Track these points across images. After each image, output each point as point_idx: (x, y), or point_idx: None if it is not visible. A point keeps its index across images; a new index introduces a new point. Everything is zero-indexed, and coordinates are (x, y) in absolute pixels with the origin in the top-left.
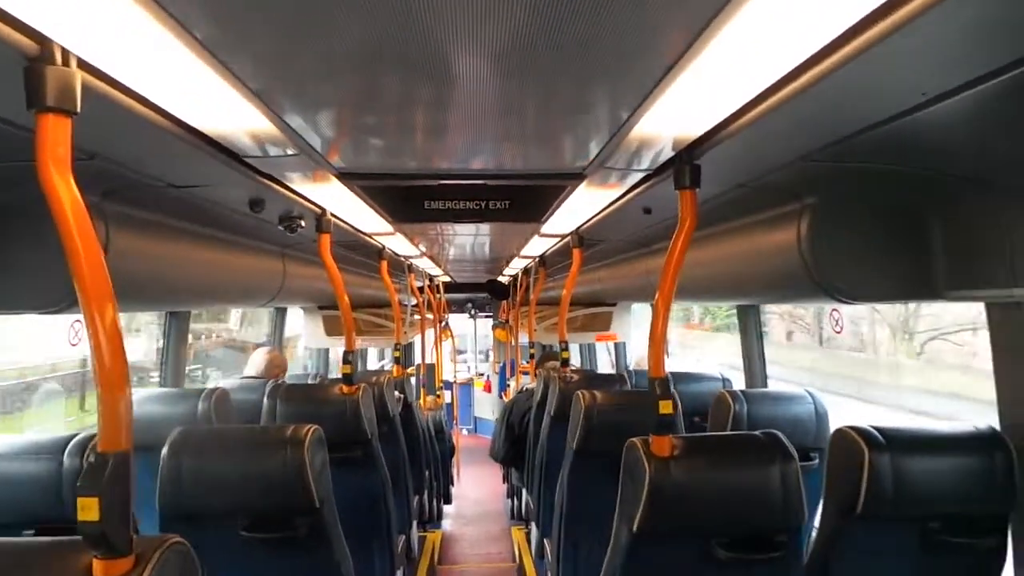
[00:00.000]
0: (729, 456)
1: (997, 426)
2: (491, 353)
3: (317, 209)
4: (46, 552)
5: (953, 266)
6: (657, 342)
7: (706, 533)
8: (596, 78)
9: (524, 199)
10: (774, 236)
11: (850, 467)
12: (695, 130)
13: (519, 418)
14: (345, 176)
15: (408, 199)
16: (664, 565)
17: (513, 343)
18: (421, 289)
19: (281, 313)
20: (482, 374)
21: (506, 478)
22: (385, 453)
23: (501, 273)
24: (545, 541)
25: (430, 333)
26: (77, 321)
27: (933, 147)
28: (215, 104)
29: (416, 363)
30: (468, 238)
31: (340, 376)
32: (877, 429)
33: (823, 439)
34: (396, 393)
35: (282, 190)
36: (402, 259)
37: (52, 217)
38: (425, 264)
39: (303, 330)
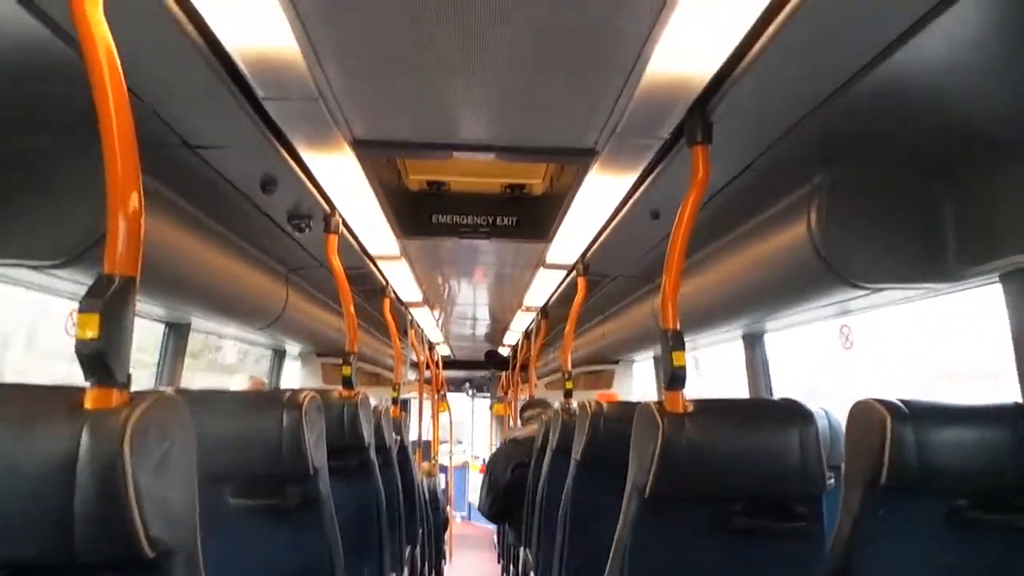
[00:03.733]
0: (747, 418)
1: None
2: (489, 431)
3: (326, 206)
4: (39, 391)
5: (966, 242)
6: (669, 294)
7: (721, 499)
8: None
9: (531, 215)
10: (785, 229)
11: (871, 437)
12: (705, 69)
13: (503, 469)
14: (359, 144)
15: (416, 212)
16: (677, 534)
17: (512, 418)
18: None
19: (280, 356)
20: (477, 457)
21: (500, 557)
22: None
23: (500, 343)
24: None
25: (427, 405)
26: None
27: (946, 109)
28: (246, 15)
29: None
30: (473, 271)
31: None
32: (900, 400)
33: (838, 457)
34: (394, 435)
35: (295, 167)
36: (404, 309)
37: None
38: (426, 320)
39: (300, 381)
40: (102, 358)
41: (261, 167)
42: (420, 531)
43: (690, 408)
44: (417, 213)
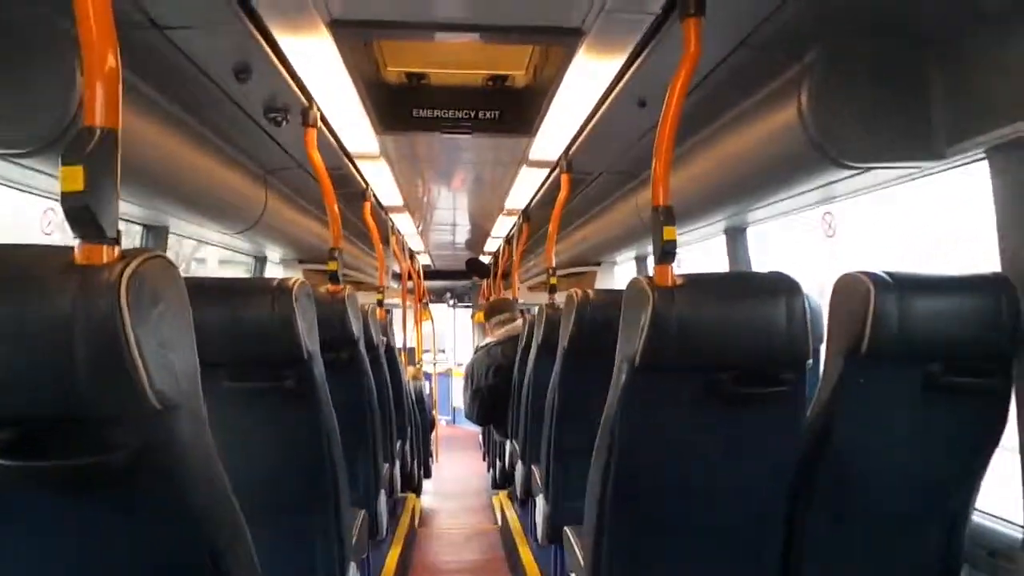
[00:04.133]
0: (735, 289)
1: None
2: (472, 340)
3: (304, 99)
4: (24, 249)
5: (954, 118)
6: (660, 171)
7: (709, 367)
8: None
9: (514, 108)
10: (775, 111)
11: (855, 308)
12: None
13: (482, 374)
14: (337, 25)
15: (396, 104)
16: (666, 400)
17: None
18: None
19: (261, 264)
20: (460, 364)
21: (485, 455)
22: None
23: (481, 252)
24: (533, 469)
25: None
26: (51, 210)
27: None
28: None
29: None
30: (454, 170)
31: None
32: (884, 272)
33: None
34: (381, 336)
35: (269, 52)
36: (385, 215)
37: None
38: (406, 227)
39: None
40: (89, 212)
41: (234, 52)
42: (408, 429)
43: (679, 282)
44: (397, 107)
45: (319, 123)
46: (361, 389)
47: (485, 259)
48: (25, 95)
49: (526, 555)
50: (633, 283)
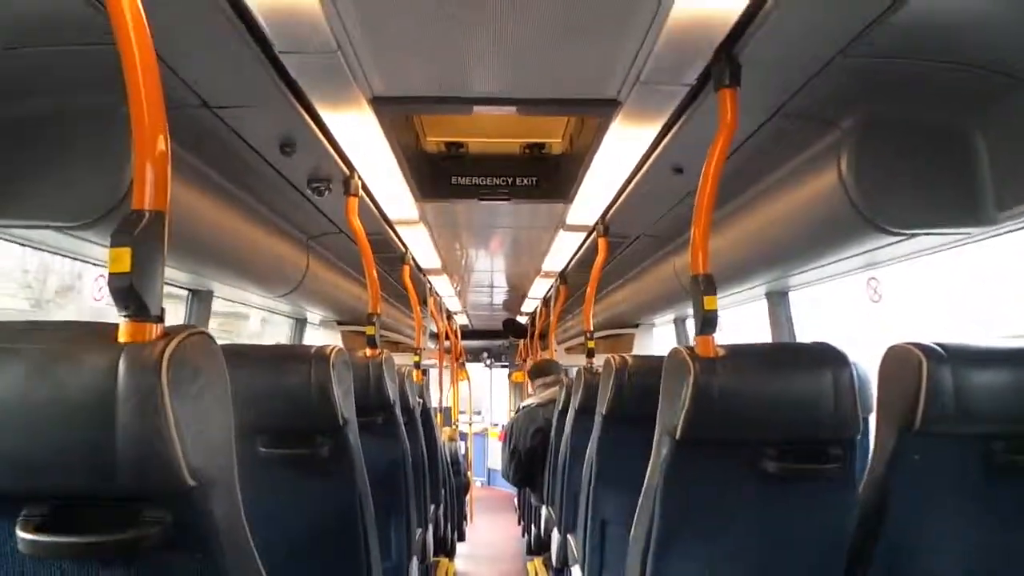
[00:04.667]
0: (780, 360)
1: None
2: (508, 399)
3: (346, 169)
4: (72, 326)
5: (1003, 182)
6: (699, 239)
7: (754, 442)
8: None
9: (551, 174)
10: (813, 177)
11: (906, 381)
12: (732, 7)
13: (522, 434)
14: (378, 101)
15: (435, 174)
16: (708, 477)
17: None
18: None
19: (301, 325)
20: (496, 424)
21: (521, 518)
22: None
23: (518, 312)
24: (569, 538)
25: (447, 374)
26: (101, 276)
27: (978, 44)
28: None
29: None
30: (492, 234)
31: None
32: (936, 343)
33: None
34: (417, 398)
35: (314, 127)
36: (423, 276)
37: None
38: (444, 288)
39: None
40: (134, 291)
41: (280, 127)
42: (443, 491)
43: (721, 352)
44: (436, 175)
45: (360, 192)
46: (396, 453)
47: (522, 319)
48: (80, 172)
49: None
50: (674, 353)
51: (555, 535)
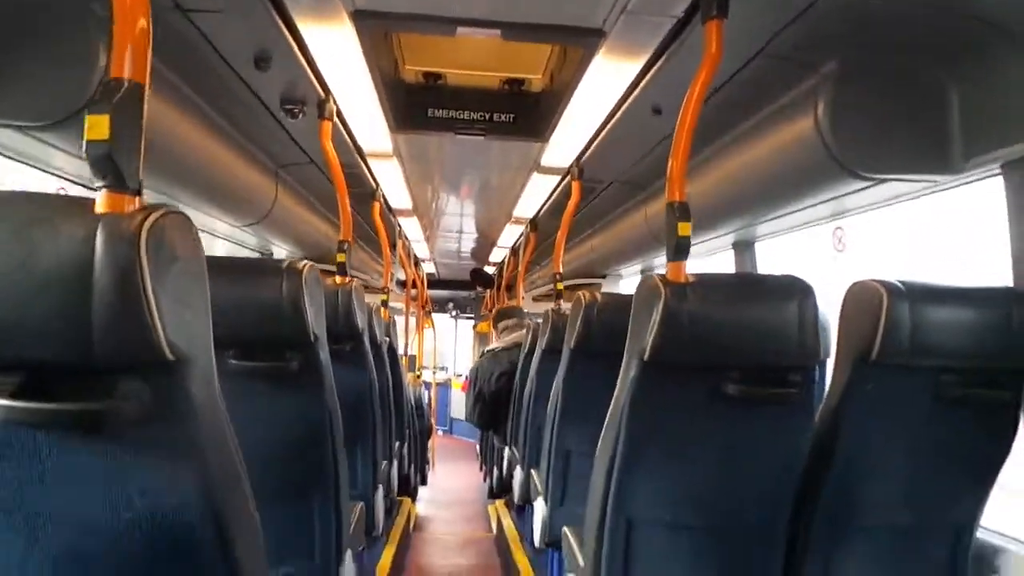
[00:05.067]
0: (748, 289)
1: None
2: (472, 351)
3: (321, 91)
4: (48, 197)
5: (971, 131)
6: (677, 166)
7: (719, 366)
8: None
9: (529, 112)
10: (790, 122)
11: (866, 314)
12: None
13: (487, 378)
14: (360, 16)
15: (412, 103)
16: (674, 397)
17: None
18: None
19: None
20: (460, 375)
21: (483, 464)
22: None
23: (487, 262)
24: (532, 472)
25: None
26: (62, 189)
27: None
28: None
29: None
30: (465, 174)
31: None
32: (898, 280)
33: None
34: (384, 335)
35: (291, 41)
36: (393, 218)
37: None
38: (413, 232)
39: None
40: (112, 161)
41: (256, 39)
42: (407, 432)
43: (691, 279)
44: (412, 105)
45: (334, 117)
46: (363, 382)
47: (490, 270)
48: (48, 70)
49: (521, 560)
50: (645, 280)
51: (517, 472)
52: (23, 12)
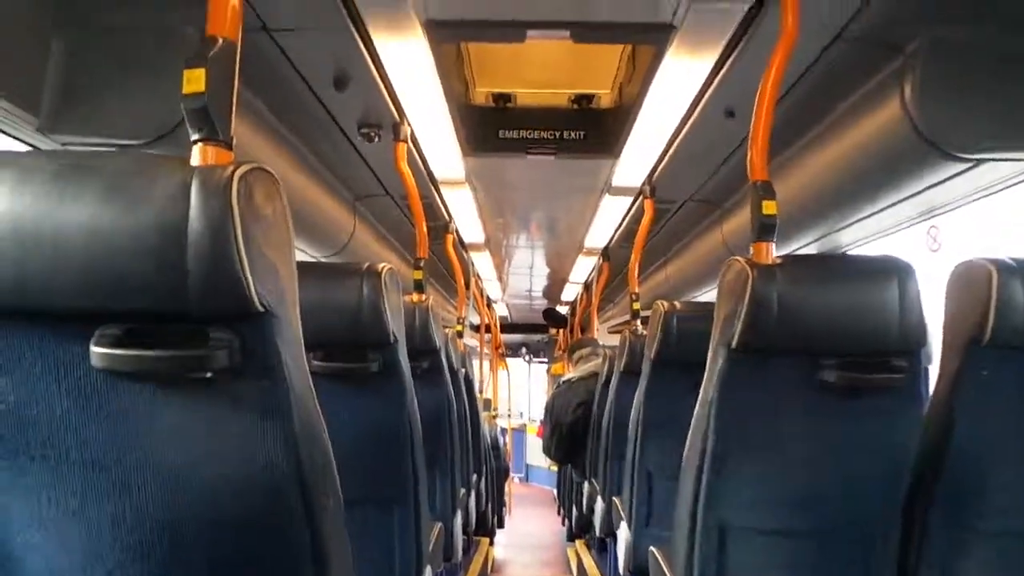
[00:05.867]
0: (841, 269)
1: None
2: (547, 395)
3: (396, 114)
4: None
5: None
6: (759, 143)
7: (813, 352)
8: None
9: (599, 128)
10: (873, 109)
11: (975, 295)
12: None
13: (564, 409)
14: (432, 26)
15: (483, 125)
16: (766, 389)
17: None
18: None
19: None
20: (535, 420)
21: (560, 508)
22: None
23: (559, 301)
24: (614, 500)
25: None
26: None
27: None
28: None
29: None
30: (536, 199)
31: None
32: (1009, 257)
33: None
34: (460, 366)
35: (367, 57)
36: (466, 253)
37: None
38: (486, 269)
39: None
40: (207, 113)
41: (335, 55)
42: (484, 468)
43: (779, 261)
44: (483, 127)
45: (408, 141)
46: (441, 402)
47: (562, 310)
48: (143, 90)
49: None
50: (730, 263)
51: (598, 505)
52: (124, 34)
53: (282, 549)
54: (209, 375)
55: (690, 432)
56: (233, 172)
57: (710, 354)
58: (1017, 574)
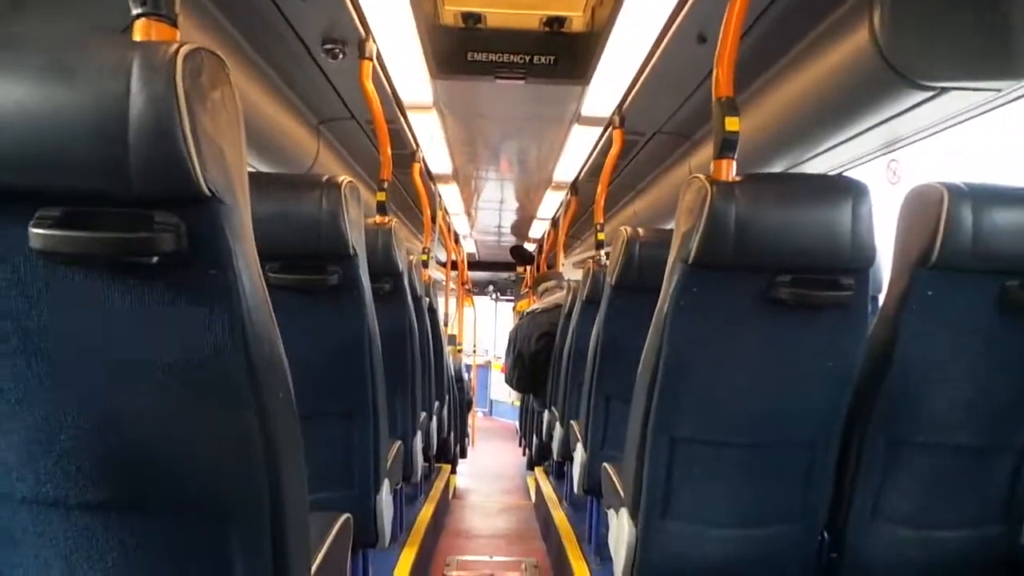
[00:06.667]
0: (798, 188)
1: None
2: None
3: (362, 30)
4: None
5: None
6: (725, 60)
7: (768, 268)
8: None
9: (570, 53)
10: (844, 36)
11: (926, 216)
12: None
13: (527, 338)
14: None
15: (451, 47)
16: (720, 302)
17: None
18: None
19: None
20: (500, 356)
21: (522, 439)
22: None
23: (526, 238)
24: (572, 424)
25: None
26: None
27: None
28: None
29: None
30: (505, 127)
31: None
32: (961, 182)
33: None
34: (424, 295)
35: None
36: (433, 185)
37: None
38: (453, 201)
39: None
40: None
41: None
42: (447, 397)
43: (740, 178)
44: (452, 49)
45: (374, 59)
46: (402, 325)
47: (530, 248)
48: None
49: (559, 518)
50: (690, 181)
51: (557, 430)
52: None
53: (231, 438)
54: (155, 260)
55: (644, 348)
56: (178, 50)
57: (667, 270)
58: (948, 483)
